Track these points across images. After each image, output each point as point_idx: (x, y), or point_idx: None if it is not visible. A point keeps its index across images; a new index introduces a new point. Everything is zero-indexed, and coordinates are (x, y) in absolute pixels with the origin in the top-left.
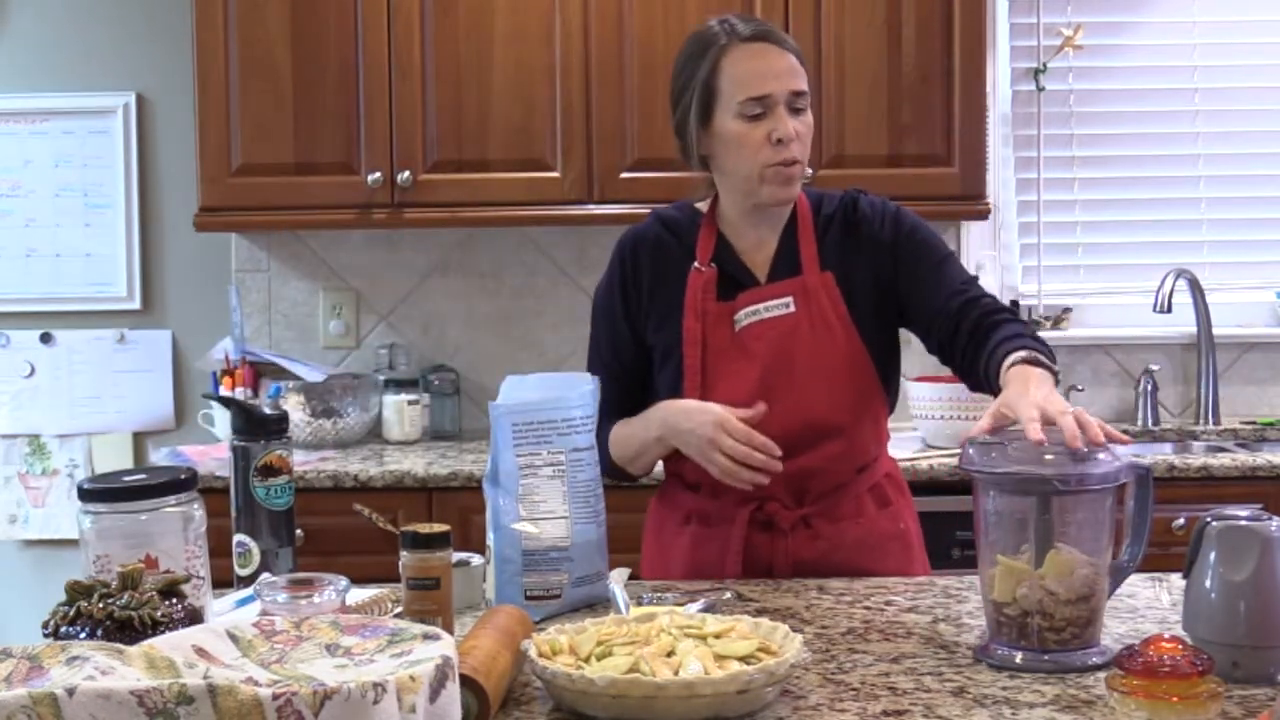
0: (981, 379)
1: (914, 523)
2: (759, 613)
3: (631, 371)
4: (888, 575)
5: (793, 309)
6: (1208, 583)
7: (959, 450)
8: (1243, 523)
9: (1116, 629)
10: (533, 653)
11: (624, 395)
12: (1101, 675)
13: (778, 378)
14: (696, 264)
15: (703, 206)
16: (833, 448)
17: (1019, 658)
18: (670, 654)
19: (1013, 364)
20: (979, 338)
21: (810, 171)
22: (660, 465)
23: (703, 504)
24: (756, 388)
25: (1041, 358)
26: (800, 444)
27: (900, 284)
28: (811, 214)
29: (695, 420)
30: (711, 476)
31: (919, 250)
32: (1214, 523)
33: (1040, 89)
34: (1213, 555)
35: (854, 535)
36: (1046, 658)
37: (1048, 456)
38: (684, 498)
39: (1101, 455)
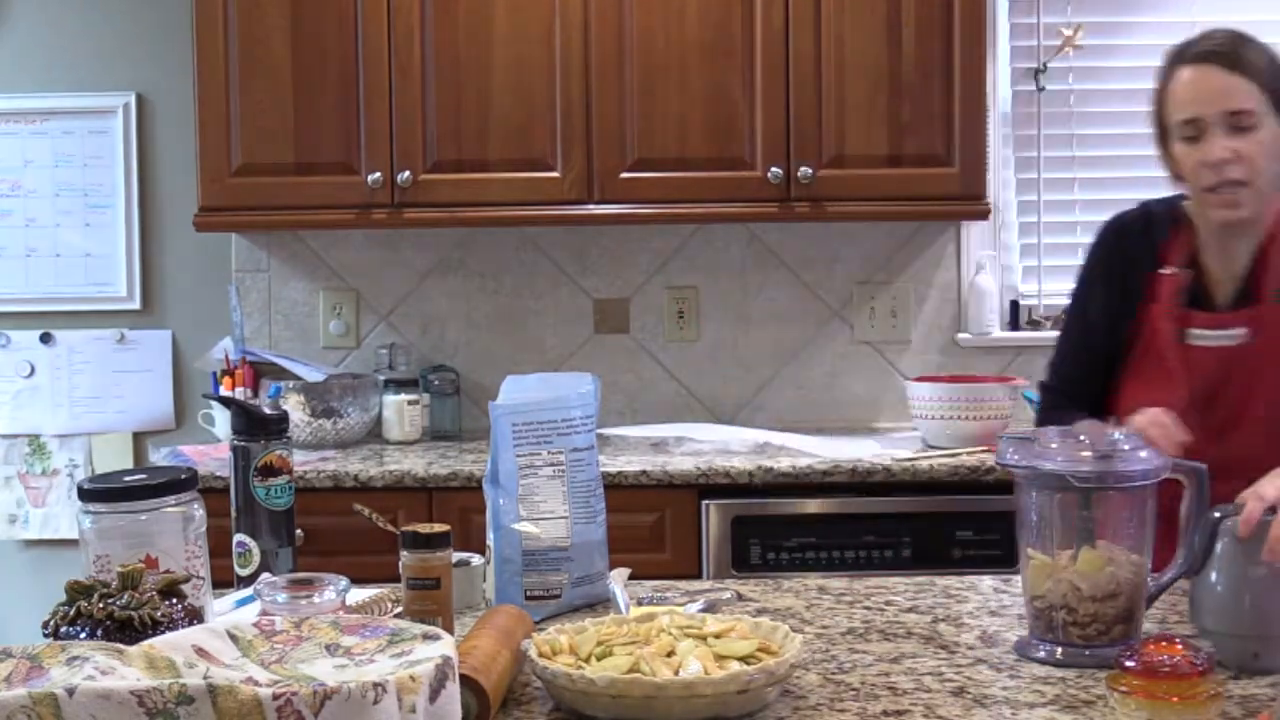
0: None
1: None
2: (759, 613)
3: (1098, 360)
4: None
5: (1245, 339)
6: (1214, 576)
7: (957, 450)
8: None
9: None
10: (533, 653)
11: (1086, 387)
12: (1101, 675)
13: (1212, 399)
14: (1171, 267)
15: (1191, 207)
16: (1241, 486)
17: (1060, 652)
18: (670, 654)
19: None
20: None
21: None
22: None
23: None
24: (1186, 405)
25: None
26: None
27: None
28: None
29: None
30: None
31: None
32: (1226, 518)
33: (1040, 89)
34: (1221, 548)
35: None
36: (1088, 653)
37: (1084, 453)
38: None
39: (1143, 453)
